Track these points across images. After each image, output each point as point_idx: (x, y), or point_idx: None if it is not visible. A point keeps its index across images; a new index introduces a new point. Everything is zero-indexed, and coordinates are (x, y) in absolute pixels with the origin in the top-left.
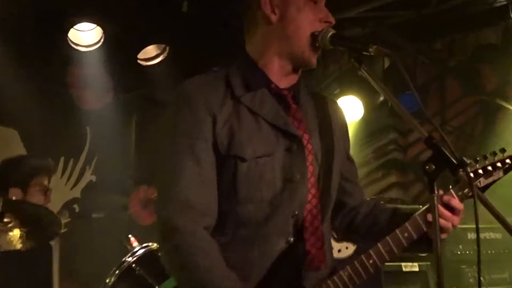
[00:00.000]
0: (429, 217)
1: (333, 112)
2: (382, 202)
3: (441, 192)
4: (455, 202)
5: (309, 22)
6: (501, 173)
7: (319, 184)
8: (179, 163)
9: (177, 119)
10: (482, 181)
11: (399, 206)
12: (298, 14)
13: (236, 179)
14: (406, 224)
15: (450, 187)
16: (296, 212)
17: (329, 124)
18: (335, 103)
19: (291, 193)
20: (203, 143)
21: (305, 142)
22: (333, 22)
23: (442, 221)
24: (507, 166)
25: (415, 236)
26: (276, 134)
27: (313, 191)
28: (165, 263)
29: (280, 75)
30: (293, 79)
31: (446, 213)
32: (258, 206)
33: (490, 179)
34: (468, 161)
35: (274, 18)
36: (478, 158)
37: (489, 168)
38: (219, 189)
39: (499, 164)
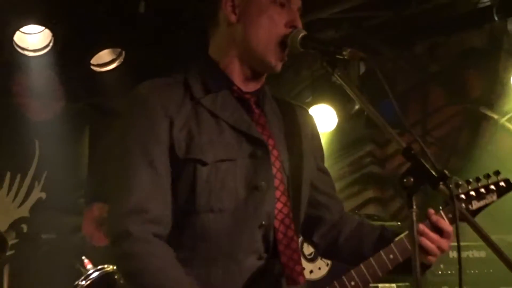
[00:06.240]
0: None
1: (302, 120)
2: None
3: (431, 212)
4: (444, 224)
5: (272, 25)
6: (494, 197)
7: (289, 192)
8: (132, 168)
9: (131, 123)
10: (475, 204)
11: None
12: (259, 15)
13: (195, 186)
14: (392, 245)
15: (440, 208)
16: (264, 223)
17: (297, 132)
18: (305, 110)
19: (257, 202)
20: (159, 147)
21: (270, 147)
22: (300, 26)
23: (428, 244)
24: (501, 189)
25: (400, 259)
26: (238, 139)
27: (283, 199)
28: (118, 270)
29: (243, 78)
30: (256, 84)
31: (433, 235)
32: (218, 217)
33: (483, 202)
34: (460, 182)
35: (233, 18)
36: (470, 180)
37: (482, 190)
38: (175, 198)
39: (492, 187)
